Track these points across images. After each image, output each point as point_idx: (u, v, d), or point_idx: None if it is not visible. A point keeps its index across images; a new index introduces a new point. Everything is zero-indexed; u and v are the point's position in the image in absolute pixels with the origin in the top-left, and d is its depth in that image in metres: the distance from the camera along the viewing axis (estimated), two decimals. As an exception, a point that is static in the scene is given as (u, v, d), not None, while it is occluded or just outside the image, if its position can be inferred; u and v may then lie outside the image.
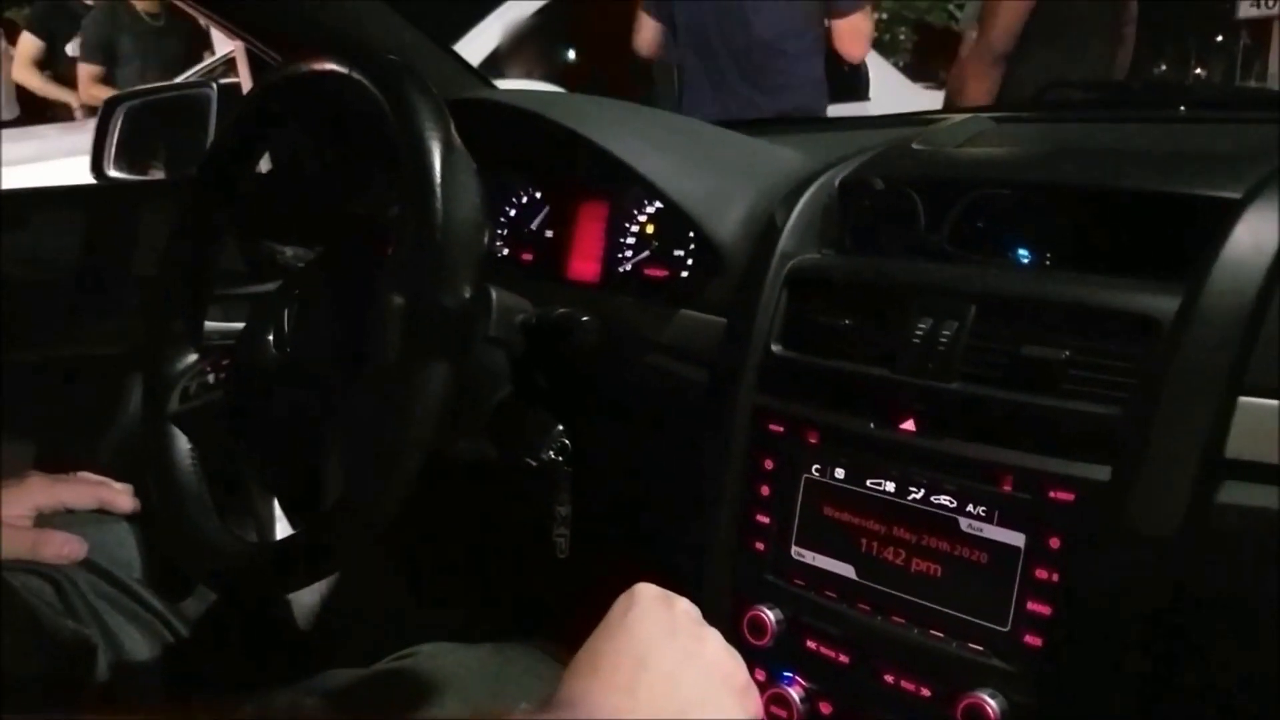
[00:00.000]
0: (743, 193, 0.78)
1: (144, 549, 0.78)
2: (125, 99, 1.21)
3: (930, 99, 3.30)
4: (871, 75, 3.45)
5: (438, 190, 0.59)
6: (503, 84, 1.13)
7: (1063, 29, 1.89)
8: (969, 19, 2.54)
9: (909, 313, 0.62)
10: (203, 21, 0.98)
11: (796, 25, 2.18)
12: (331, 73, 0.67)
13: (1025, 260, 0.66)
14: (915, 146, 0.77)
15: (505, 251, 0.96)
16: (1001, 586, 0.57)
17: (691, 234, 0.82)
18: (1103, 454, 0.54)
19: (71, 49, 3.70)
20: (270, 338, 0.72)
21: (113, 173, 1.14)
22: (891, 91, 3.44)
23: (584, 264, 0.91)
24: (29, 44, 3.74)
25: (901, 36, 9.45)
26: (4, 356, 0.95)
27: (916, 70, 5.29)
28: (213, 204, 0.76)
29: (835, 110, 2.45)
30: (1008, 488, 0.57)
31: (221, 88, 1.06)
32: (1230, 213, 0.55)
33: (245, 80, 1.06)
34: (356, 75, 0.64)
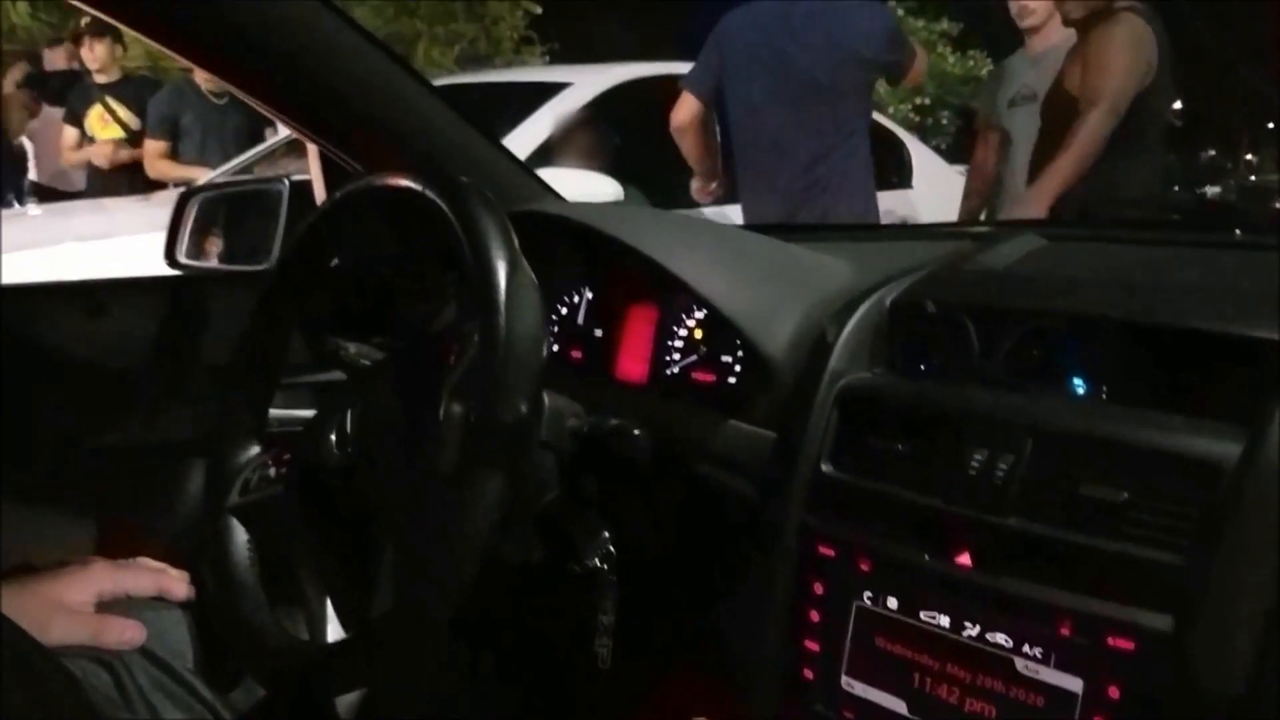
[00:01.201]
0: (792, 306, 0.80)
1: (195, 637, 0.79)
2: (200, 191, 1.28)
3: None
4: (914, 163, 3.51)
5: (501, 307, 0.61)
6: (554, 173, 1.16)
7: (1140, 135, 1.92)
8: (989, 117, 2.55)
9: (964, 442, 0.62)
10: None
11: (844, 123, 2.20)
12: (405, 189, 0.71)
13: (1081, 390, 0.66)
14: (966, 268, 0.78)
15: (555, 348, 0.99)
16: (1059, 733, 0.55)
17: (739, 342, 0.84)
18: (1164, 602, 0.53)
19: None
20: (333, 437, 0.74)
21: (185, 260, 1.19)
22: (933, 178, 3.50)
23: (632, 364, 0.92)
24: (71, 134, 3.93)
25: (944, 120, 9.62)
26: (78, 442, 0.99)
27: (956, 153, 5.42)
28: (286, 303, 0.80)
29: (880, 198, 2.48)
30: (1066, 631, 0.56)
31: (293, 184, 1.11)
32: (1292, 358, 0.55)
33: (315, 176, 1.12)
34: (430, 194, 0.68)
